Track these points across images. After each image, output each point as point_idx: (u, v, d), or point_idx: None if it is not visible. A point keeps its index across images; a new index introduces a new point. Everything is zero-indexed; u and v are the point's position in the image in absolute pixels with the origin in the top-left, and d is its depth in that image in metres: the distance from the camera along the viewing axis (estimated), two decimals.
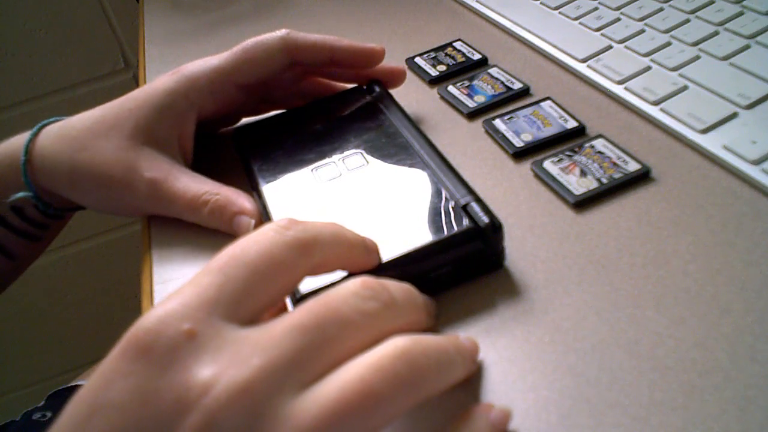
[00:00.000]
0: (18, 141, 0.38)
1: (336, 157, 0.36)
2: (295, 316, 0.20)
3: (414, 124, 0.37)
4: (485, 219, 0.29)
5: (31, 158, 0.37)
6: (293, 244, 0.22)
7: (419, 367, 0.20)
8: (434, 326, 0.29)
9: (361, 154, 0.36)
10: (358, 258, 0.26)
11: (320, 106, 0.42)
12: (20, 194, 0.38)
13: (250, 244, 0.21)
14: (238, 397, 0.17)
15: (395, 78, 0.42)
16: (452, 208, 0.30)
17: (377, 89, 0.41)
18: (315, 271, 0.23)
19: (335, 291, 0.21)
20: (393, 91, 0.43)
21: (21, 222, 0.41)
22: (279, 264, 0.21)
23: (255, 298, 0.21)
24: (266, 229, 0.22)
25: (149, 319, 0.19)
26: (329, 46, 0.39)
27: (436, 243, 0.29)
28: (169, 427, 0.17)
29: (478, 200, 0.30)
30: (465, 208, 0.30)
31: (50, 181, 0.38)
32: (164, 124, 0.37)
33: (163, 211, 0.37)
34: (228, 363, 0.18)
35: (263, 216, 0.34)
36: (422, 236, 0.29)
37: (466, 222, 0.30)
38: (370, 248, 0.27)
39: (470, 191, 0.31)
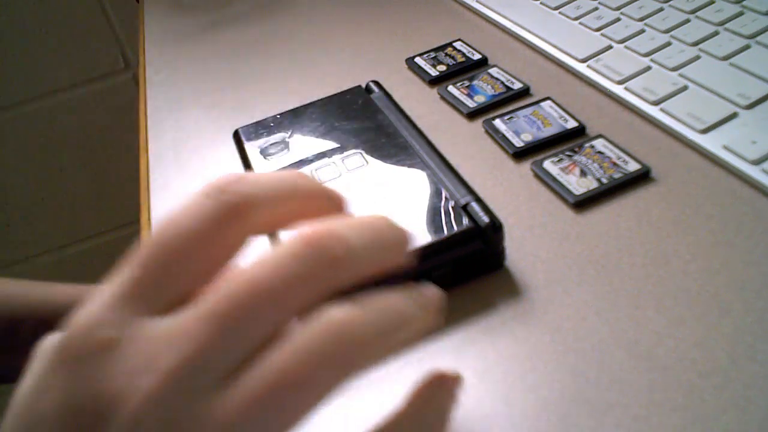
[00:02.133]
0: None
1: (336, 158, 0.36)
2: (212, 300, 0.18)
3: (413, 124, 0.37)
4: (485, 219, 0.29)
5: None
6: (222, 211, 0.19)
7: (355, 342, 0.18)
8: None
9: (361, 154, 0.36)
10: (321, 211, 0.22)
11: (319, 106, 0.42)
12: None
13: (176, 220, 0.19)
14: (152, 407, 0.17)
15: None
16: (452, 208, 0.30)
17: (377, 89, 0.41)
18: (261, 231, 0.20)
19: (267, 257, 0.18)
20: (393, 91, 0.43)
21: None
22: (207, 239, 0.19)
23: (181, 282, 0.19)
24: (198, 197, 0.19)
25: (74, 327, 0.18)
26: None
27: (437, 243, 0.29)
28: None
29: (478, 200, 0.30)
30: (465, 207, 0.30)
31: None
32: None
33: None
34: (142, 369, 0.17)
35: None
36: (422, 236, 0.29)
37: (466, 222, 0.30)
38: (335, 197, 0.22)
39: (470, 191, 0.31)
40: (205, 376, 0.17)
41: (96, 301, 0.18)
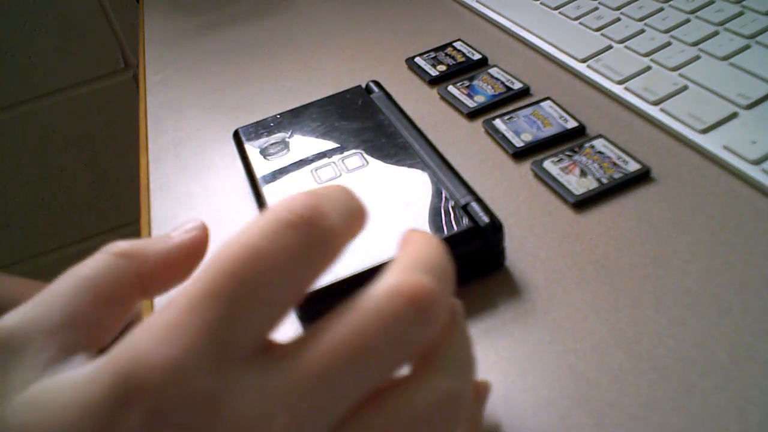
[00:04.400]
0: None
1: (336, 158, 0.36)
2: (320, 355, 0.17)
3: (414, 124, 0.37)
4: (485, 219, 0.29)
5: None
6: (312, 250, 0.18)
7: (459, 412, 0.18)
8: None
9: (361, 154, 0.36)
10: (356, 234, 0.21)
11: (320, 106, 0.42)
12: None
13: (265, 252, 0.17)
14: None
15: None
16: (452, 207, 0.31)
17: (377, 89, 0.41)
18: (332, 264, 0.20)
19: (373, 310, 0.17)
20: (393, 91, 0.43)
21: None
22: (294, 277, 0.17)
23: (266, 324, 0.17)
24: (283, 227, 0.17)
25: (155, 369, 0.15)
26: None
27: None
28: None
29: (478, 200, 0.30)
30: (465, 207, 0.30)
31: None
32: None
33: None
34: (253, 427, 0.16)
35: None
36: None
37: (466, 222, 0.30)
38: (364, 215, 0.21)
39: (470, 191, 0.31)
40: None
41: (176, 340, 0.16)
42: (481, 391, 0.24)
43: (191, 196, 0.39)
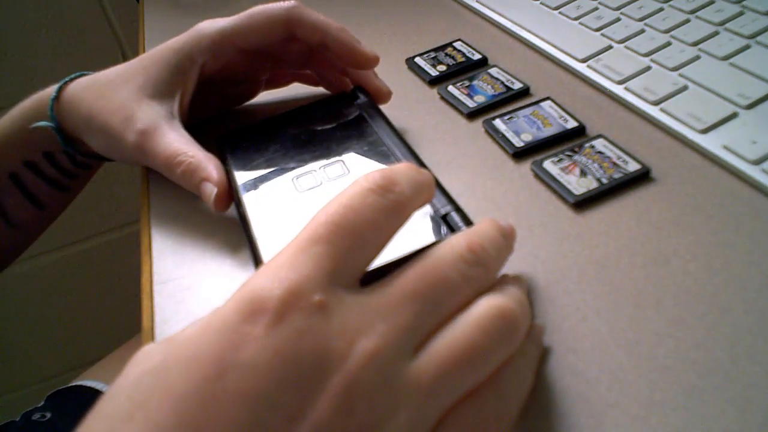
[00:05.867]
0: (52, 87, 0.43)
1: (317, 166, 0.36)
2: (408, 282, 0.22)
3: (397, 132, 0.37)
4: (464, 229, 0.29)
5: (59, 97, 0.42)
6: (392, 209, 0.23)
7: (513, 322, 0.22)
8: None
9: (342, 162, 0.36)
10: (426, 201, 0.27)
11: (303, 113, 0.41)
12: (42, 123, 0.42)
13: (354, 208, 0.22)
14: (371, 361, 0.19)
15: (379, 96, 0.42)
16: (431, 217, 0.30)
17: (361, 97, 0.41)
18: (407, 220, 0.25)
19: (442, 254, 0.23)
20: (393, 91, 0.43)
21: (50, 168, 0.45)
22: (379, 230, 0.23)
23: (361, 263, 0.22)
24: (366, 192, 0.23)
25: (275, 289, 0.20)
26: (324, 30, 0.40)
27: (415, 254, 0.28)
28: (313, 386, 0.19)
29: (458, 210, 0.30)
30: (445, 218, 0.30)
31: (71, 122, 0.42)
32: (169, 80, 0.40)
33: (147, 163, 0.39)
34: (358, 330, 0.20)
35: (242, 225, 0.34)
36: (401, 247, 0.28)
37: (444, 232, 0.29)
38: (432, 186, 0.27)
39: (450, 200, 0.31)
40: (409, 344, 0.21)
41: (292, 270, 0.21)
42: (535, 333, 0.26)
43: (192, 197, 0.39)
